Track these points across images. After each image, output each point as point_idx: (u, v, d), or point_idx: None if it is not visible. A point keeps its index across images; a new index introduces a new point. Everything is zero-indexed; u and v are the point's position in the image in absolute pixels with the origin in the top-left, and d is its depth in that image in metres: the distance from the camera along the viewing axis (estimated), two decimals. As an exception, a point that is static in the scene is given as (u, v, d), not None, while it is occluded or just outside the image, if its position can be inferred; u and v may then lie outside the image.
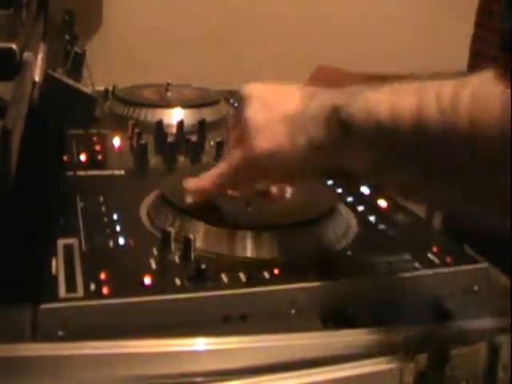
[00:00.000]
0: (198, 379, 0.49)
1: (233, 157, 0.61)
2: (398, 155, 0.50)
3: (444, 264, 0.62)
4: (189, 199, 0.65)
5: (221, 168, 0.62)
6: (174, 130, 0.93)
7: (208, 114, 1.02)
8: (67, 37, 0.90)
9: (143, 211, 0.69)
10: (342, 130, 0.52)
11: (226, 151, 0.65)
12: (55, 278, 0.55)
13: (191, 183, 0.66)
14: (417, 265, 0.61)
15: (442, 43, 1.63)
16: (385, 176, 0.53)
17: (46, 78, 0.61)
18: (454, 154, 0.46)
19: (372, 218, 0.71)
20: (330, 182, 0.76)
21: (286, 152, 0.56)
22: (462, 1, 0.91)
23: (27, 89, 0.54)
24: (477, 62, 0.86)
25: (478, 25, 0.87)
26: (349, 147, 0.52)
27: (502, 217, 0.48)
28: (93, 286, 0.54)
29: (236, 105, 0.62)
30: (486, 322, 0.54)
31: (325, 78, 1.02)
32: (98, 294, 0.53)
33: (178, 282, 0.55)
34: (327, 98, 0.54)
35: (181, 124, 0.94)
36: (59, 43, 0.85)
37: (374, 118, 0.49)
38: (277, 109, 0.58)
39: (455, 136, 0.45)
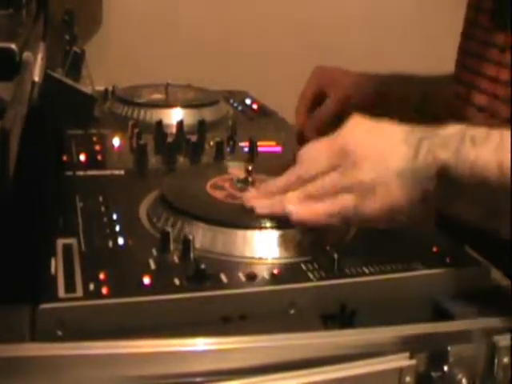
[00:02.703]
0: (198, 379, 0.48)
1: (343, 205, 0.60)
2: (502, 210, 0.55)
3: (444, 264, 0.62)
4: (293, 222, 0.62)
5: (329, 208, 0.60)
6: (173, 130, 0.93)
7: (208, 114, 1.02)
8: (67, 37, 0.90)
9: (143, 211, 0.69)
10: (450, 188, 0.57)
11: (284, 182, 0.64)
12: (54, 278, 0.54)
13: (296, 210, 0.62)
14: (416, 265, 0.61)
15: (442, 42, 1.63)
16: (486, 226, 0.59)
17: (46, 77, 0.62)
18: None
19: (372, 218, 0.71)
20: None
21: (400, 210, 0.59)
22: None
23: (27, 89, 0.54)
24: (463, 60, 0.87)
25: (466, 21, 0.87)
26: (458, 202, 0.58)
27: None
28: (92, 286, 0.54)
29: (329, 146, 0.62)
30: (486, 322, 0.54)
31: (326, 77, 1.02)
32: (97, 294, 0.53)
33: (177, 282, 0.55)
34: (432, 148, 0.57)
35: (181, 124, 0.94)
36: (59, 43, 0.85)
37: (481, 179, 0.55)
38: (387, 165, 0.59)
39: None
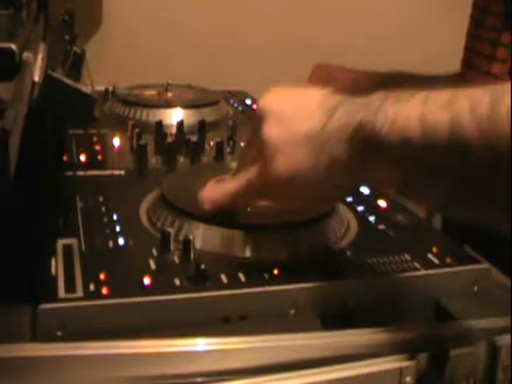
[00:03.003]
0: (198, 379, 0.48)
1: (250, 174, 0.58)
2: (430, 172, 0.48)
3: (444, 264, 0.62)
4: (204, 208, 0.63)
5: (237, 184, 0.60)
6: (173, 130, 0.93)
7: (208, 114, 1.02)
8: (67, 37, 0.90)
9: (143, 211, 0.69)
10: (367, 147, 0.50)
11: (240, 164, 0.63)
12: (55, 279, 0.54)
13: (206, 194, 0.63)
14: (417, 265, 0.61)
15: (441, 41, 1.63)
16: (415, 194, 0.51)
17: (46, 77, 0.61)
18: (493, 171, 0.44)
19: (372, 218, 0.71)
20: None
21: (306, 173, 0.53)
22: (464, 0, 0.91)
23: (27, 89, 0.54)
24: (472, 60, 0.86)
25: (474, 22, 0.87)
26: (375, 165, 0.50)
27: None
28: (92, 287, 0.54)
29: (252, 116, 0.59)
30: (485, 322, 0.54)
31: (324, 76, 1.02)
32: (97, 295, 0.53)
33: (177, 282, 0.55)
34: (348, 112, 0.52)
35: (181, 124, 0.94)
36: (59, 43, 0.85)
37: (402, 133, 0.47)
38: (296, 125, 0.55)
39: (495, 150, 0.43)
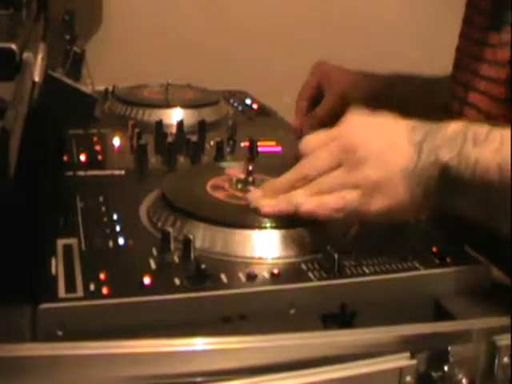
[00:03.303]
0: (198, 379, 0.48)
1: (347, 200, 0.60)
2: (504, 211, 0.57)
3: (444, 264, 0.62)
4: (301, 214, 0.62)
5: (333, 203, 0.61)
6: (173, 130, 0.93)
7: (208, 114, 1.02)
8: (67, 37, 0.90)
9: (143, 211, 0.69)
10: (453, 189, 0.58)
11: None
12: (55, 278, 0.55)
13: (306, 203, 0.62)
14: (417, 264, 0.61)
15: (441, 42, 1.63)
16: (486, 225, 0.60)
17: (46, 77, 0.61)
18: None
19: (372, 218, 0.71)
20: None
21: (404, 207, 0.60)
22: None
23: (27, 89, 0.54)
24: (460, 59, 0.87)
25: (464, 21, 0.87)
26: (460, 203, 0.59)
27: None
28: (92, 286, 0.54)
29: (335, 139, 0.62)
30: (485, 322, 0.54)
31: (324, 74, 1.02)
32: (97, 294, 0.53)
33: (177, 282, 0.55)
34: (434, 148, 0.59)
35: (181, 124, 0.94)
36: (59, 43, 0.85)
37: (483, 179, 0.56)
38: (391, 162, 0.60)
39: None
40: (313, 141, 0.66)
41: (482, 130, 0.59)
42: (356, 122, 0.64)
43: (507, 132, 0.57)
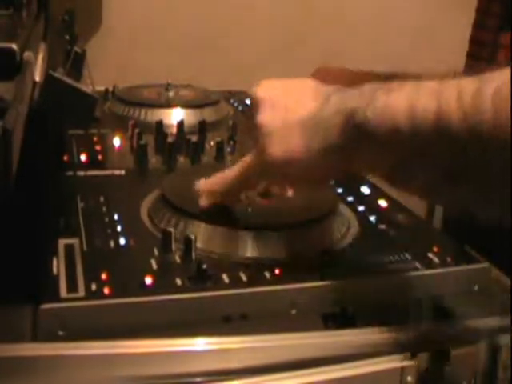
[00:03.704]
0: (198, 379, 0.49)
1: (246, 162, 0.60)
2: (418, 158, 0.49)
3: (444, 264, 0.62)
4: (202, 202, 0.64)
5: (234, 171, 0.62)
6: (174, 130, 0.93)
7: (208, 114, 1.02)
8: (67, 37, 0.90)
9: (144, 211, 0.69)
10: (358, 134, 0.51)
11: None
12: (56, 278, 0.55)
13: (204, 185, 0.64)
14: (417, 265, 0.61)
15: (442, 42, 1.63)
16: (403, 179, 0.52)
17: (47, 77, 0.61)
18: (477, 156, 0.44)
19: (372, 218, 0.71)
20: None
21: (300, 158, 0.55)
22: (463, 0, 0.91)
23: (27, 89, 0.54)
24: (476, 50, 0.86)
25: (476, 26, 0.87)
26: (366, 151, 0.51)
27: None
28: (94, 286, 0.54)
29: (248, 106, 0.61)
30: (486, 322, 0.54)
31: (323, 77, 1.02)
32: (99, 294, 0.53)
33: (178, 282, 0.56)
34: (341, 100, 0.53)
35: (181, 124, 0.94)
36: (59, 43, 0.85)
37: (391, 121, 0.48)
38: (290, 112, 0.56)
39: (479, 138, 0.43)
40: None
41: (398, 84, 0.51)
42: (266, 82, 0.61)
43: (426, 81, 0.50)
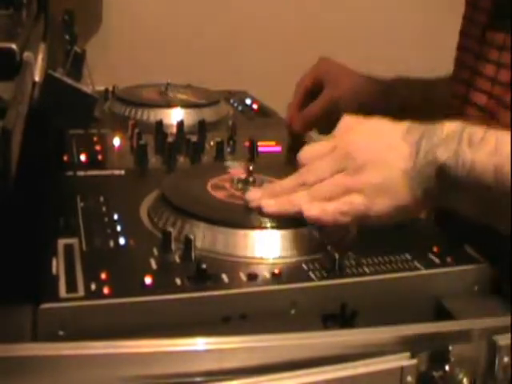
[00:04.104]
0: (198, 379, 0.48)
1: (352, 205, 0.60)
2: (500, 212, 0.58)
3: (444, 264, 0.62)
4: (311, 221, 0.62)
5: (339, 208, 0.61)
6: (174, 130, 0.93)
7: (208, 114, 1.02)
8: (67, 37, 0.90)
9: (143, 211, 0.69)
10: (450, 188, 0.59)
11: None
12: (56, 278, 0.55)
13: (313, 210, 0.62)
14: (417, 264, 0.61)
15: (443, 44, 1.63)
16: (485, 221, 0.60)
17: (46, 77, 0.61)
18: None
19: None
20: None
21: (406, 207, 0.60)
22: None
23: (27, 89, 0.54)
24: (461, 57, 0.87)
25: (464, 19, 0.87)
26: (457, 202, 0.60)
27: None
28: (93, 286, 0.54)
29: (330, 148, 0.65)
30: (485, 322, 0.54)
31: (326, 70, 1.02)
32: (98, 294, 0.53)
33: (178, 281, 0.55)
34: (432, 147, 0.59)
35: (181, 124, 0.94)
36: (59, 43, 0.85)
37: (479, 181, 0.57)
38: (390, 167, 0.60)
39: None
40: (311, 152, 0.66)
41: (477, 130, 0.59)
42: (351, 128, 0.65)
43: (503, 134, 0.58)
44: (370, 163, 0.61)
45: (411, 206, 0.61)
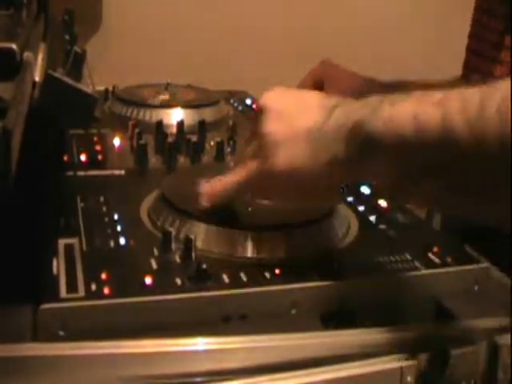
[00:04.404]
0: (198, 379, 0.49)
1: (249, 169, 0.59)
2: (422, 169, 0.49)
3: (444, 264, 0.62)
4: (202, 203, 0.63)
5: (236, 177, 0.61)
6: (174, 130, 0.93)
7: (208, 114, 1.02)
8: (67, 37, 0.90)
9: (144, 211, 0.69)
10: (363, 146, 0.51)
11: (239, 160, 0.63)
12: (56, 278, 0.55)
13: (204, 188, 0.64)
14: (417, 265, 0.61)
15: (443, 45, 1.63)
16: (407, 189, 0.53)
17: (47, 77, 0.61)
18: (482, 167, 0.45)
19: (372, 218, 0.71)
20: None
21: (305, 169, 0.55)
22: (466, 3, 0.90)
23: (27, 89, 0.54)
24: (474, 61, 0.86)
25: (476, 23, 0.87)
26: (371, 162, 0.52)
27: None
28: (94, 286, 0.54)
29: (253, 113, 0.60)
30: (486, 322, 0.54)
31: (327, 72, 1.02)
32: (98, 294, 0.53)
33: (178, 281, 0.56)
34: (346, 111, 0.54)
35: (181, 124, 0.94)
36: (59, 43, 0.85)
37: (397, 132, 0.49)
38: (297, 122, 0.56)
39: (484, 148, 0.44)
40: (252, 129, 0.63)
41: (402, 93, 0.52)
42: (274, 92, 0.61)
43: (430, 92, 0.50)
44: (275, 117, 0.57)
45: (309, 171, 0.55)
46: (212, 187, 0.63)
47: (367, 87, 1.00)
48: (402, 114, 0.49)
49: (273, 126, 0.57)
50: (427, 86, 1.04)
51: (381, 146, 0.50)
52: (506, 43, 0.78)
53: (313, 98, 0.59)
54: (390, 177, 0.52)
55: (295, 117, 0.57)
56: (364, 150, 0.51)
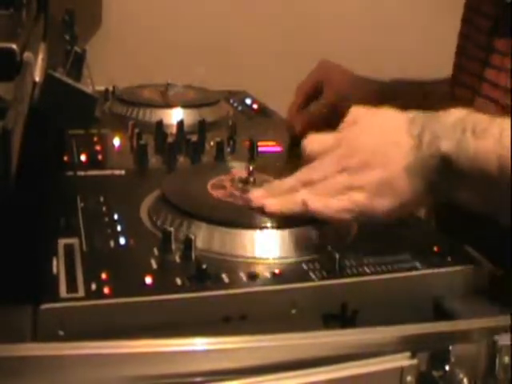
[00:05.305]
0: (198, 379, 0.48)
1: (354, 201, 0.61)
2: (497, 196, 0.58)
3: (444, 264, 0.62)
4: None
5: (339, 204, 0.61)
6: (174, 130, 0.93)
7: (208, 114, 1.02)
8: (67, 37, 0.90)
9: (144, 211, 0.69)
10: (452, 176, 0.58)
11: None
12: (56, 278, 0.55)
13: (316, 206, 0.62)
14: (417, 265, 0.61)
15: (441, 44, 1.63)
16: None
17: (47, 77, 0.61)
18: None
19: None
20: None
21: (408, 203, 0.61)
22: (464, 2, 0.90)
23: (27, 89, 0.54)
24: (462, 61, 0.86)
25: (464, 23, 0.87)
26: (456, 189, 0.60)
27: None
28: (94, 286, 0.54)
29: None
30: (485, 322, 0.54)
31: (325, 73, 1.02)
32: (98, 294, 0.53)
33: (178, 281, 0.56)
34: (434, 138, 0.59)
35: (181, 124, 0.94)
36: (59, 43, 0.85)
37: (483, 169, 0.56)
38: (393, 162, 0.60)
39: None
40: (317, 144, 0.65)
41: (481, 119, 0.59)
42: (357, 121, 0.65)
43: (506, 122, 0.57)
44: (373, 161, 0.61)
45: (413, 201, 0.61)
46: (316, 203, 0.62)
47: (366, 87, 1.01)
48: (486, 153, 0.56)
49: (372, 172, 0.60)
50: (424, 85, 1.04)
51: (468, 181, 0.58)
52: (496, 46, 0.78)
53: (398, 127, 0.62)
54: (475, 203, 0.60)
55: (389, 155, 0.61)
56: (453, 182, 0.59)
